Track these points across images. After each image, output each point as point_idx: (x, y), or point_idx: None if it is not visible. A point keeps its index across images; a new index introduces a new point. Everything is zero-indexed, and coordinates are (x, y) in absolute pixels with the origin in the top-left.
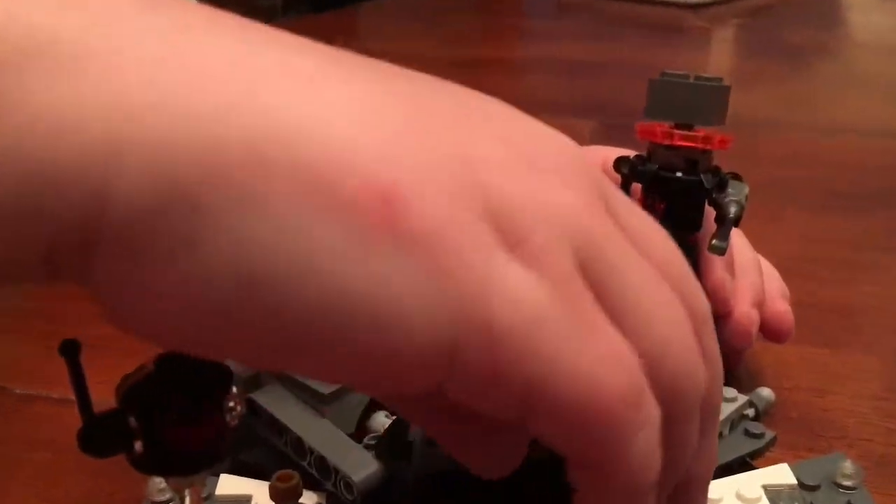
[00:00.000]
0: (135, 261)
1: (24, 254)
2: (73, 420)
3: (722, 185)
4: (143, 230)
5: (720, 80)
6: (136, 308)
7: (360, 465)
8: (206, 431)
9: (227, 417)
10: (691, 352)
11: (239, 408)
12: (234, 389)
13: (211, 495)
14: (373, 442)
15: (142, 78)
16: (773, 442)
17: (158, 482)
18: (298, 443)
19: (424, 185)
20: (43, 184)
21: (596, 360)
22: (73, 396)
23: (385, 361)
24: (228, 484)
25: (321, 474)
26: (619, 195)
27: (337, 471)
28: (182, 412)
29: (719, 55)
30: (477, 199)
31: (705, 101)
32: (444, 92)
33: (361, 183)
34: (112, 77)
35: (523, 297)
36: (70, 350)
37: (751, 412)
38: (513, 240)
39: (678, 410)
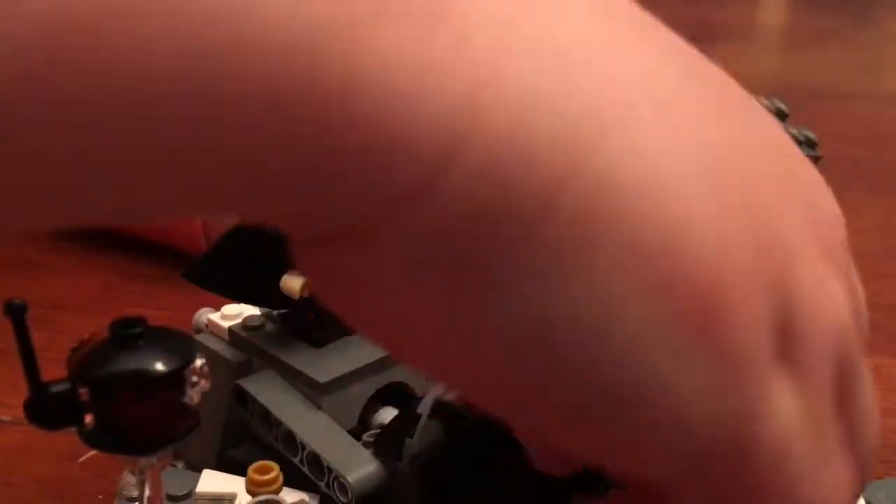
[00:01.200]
0: (420, 269)
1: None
2: None
3: None
4: (451, 235)
5: (815, 148)
6: (390, 319)
7: (357, 464)
8: (163, 407)
9: (189, 392)
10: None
11: (203, 382)
12: (199, 362)
13: (191, 492)
14: (372, 439)
15: (500, 50)
16: None
17: (132, 479)
18: (289, 437)
19: (744, 291)
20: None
21: (829, 489)
22: None
23: (644, 452)
24: (211, 481)
25: (314, 473)
26: (849, 256)
27: (330, 469)
28: (137, 385)
29: (771, 10)
30: (774, 298)
31: None
32: (747, 122)
33: (691, 277)
34: (465, 42)
35: (783, 421)
36: (15, 311)
37: None
38: (788, 345)
39: None
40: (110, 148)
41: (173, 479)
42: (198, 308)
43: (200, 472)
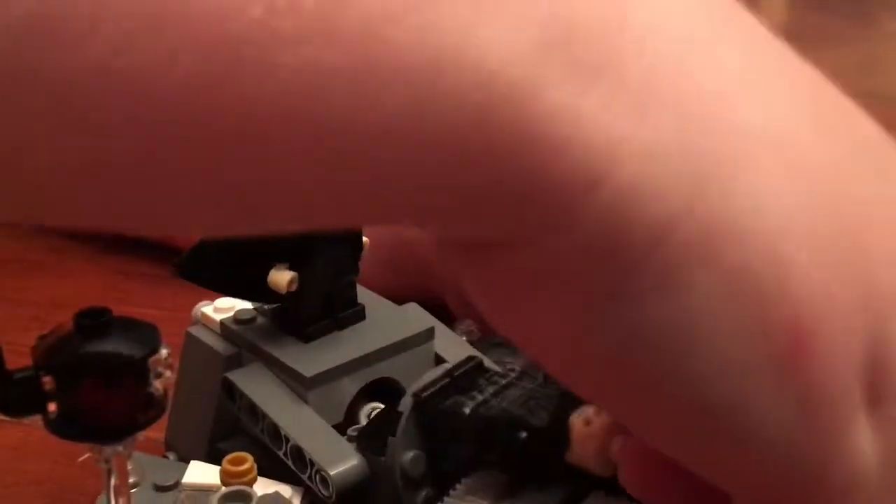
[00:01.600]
0: (555, 278)
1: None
2: None
3: None
4: (582, 254)
5: None
6: (526, 324)
7: (338, 458)
8: (127, 395)
9: (154, 382)
10: None
11: (168, 373)
12: (164, 352)
13: (178, 483)
14: (356, 433)
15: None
16: None
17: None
18: (274, 430)
19: (838, 340)
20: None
21: None
22: None
23: (723, 465)
24: (198, 472)
25: (297, 466)
26: None
27: (313, 463)
28: (99, 372)
29: (770, 9)
30: (869, 349)
31: None
32: (872, 169)
33: (782, 322)
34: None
35: (860, 462)
36: None
37: None
38: (876, 396)
39: None
40: (342, 169)
41: (161, 470)
42: None
43: (188, 462)
